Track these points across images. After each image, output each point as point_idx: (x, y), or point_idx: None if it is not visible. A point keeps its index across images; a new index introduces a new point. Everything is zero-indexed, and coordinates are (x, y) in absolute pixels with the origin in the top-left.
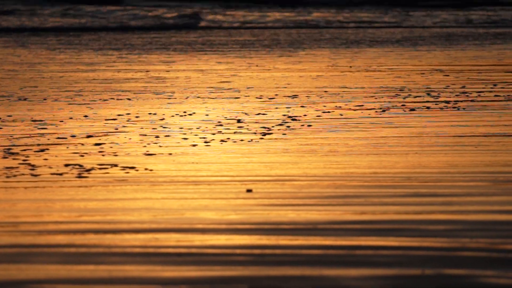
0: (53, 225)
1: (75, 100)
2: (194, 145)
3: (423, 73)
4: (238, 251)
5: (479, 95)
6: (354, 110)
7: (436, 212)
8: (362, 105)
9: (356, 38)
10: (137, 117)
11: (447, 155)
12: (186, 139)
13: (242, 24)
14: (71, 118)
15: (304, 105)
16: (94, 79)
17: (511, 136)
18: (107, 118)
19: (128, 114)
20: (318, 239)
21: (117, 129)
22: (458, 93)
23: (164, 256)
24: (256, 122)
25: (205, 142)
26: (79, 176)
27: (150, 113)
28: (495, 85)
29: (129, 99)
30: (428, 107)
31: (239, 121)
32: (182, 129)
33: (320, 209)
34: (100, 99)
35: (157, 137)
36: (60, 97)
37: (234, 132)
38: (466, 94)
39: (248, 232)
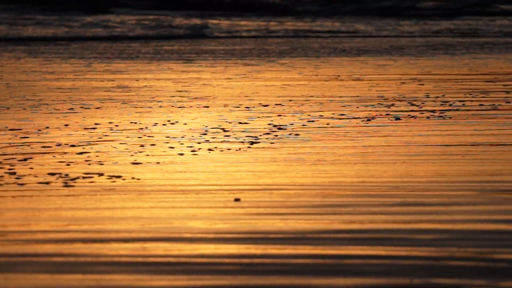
0: (41, 234)
1: (49, 110)
2: (181, 154)
3: (403, 82)
4: (226, 260)
5: (463, 104)
6: (340, 119)
7: (424, 221)
8: (344, 114)
9: (333, 47)
10: (116, 125)
11: (435, 164)
12: (173, 148)
13: (219, 34)
14: (47, 127)
15: (288, 114)
16: (68, 88)
17: (498, 145)
18: (88, 127)
19: (110, 123)
20: (306, 248)
21: (101, 138)
22: (441, 102)
23: (153, 265)
24: (242, 131)
25: (192, 151)
26: (66, 185)
27: (131, 122)
28: (476, 94)
29: (98, 108)
30: (413, 116)
31: (224, 130)
32: (167, 138)
33: (308, 218)
34: (81, 107)
35: (142, 146)
36: (36, 105)
37: (221, 141)
38: (450, 104)
39: (237, 241)
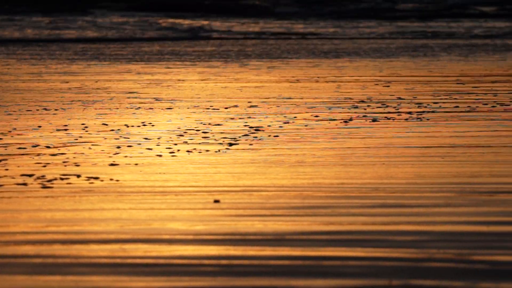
0: (20, 235)
1: (21, 111)
2: (159, 156)
3: (376, 84)
4: (205, 261)
5: (439, 106)
6: (317, 121)
7: (403, 223)
8: (319, 116)
9: (310, 49)
10: (87, 127)
11: (414, 166)
12: (150, 149)
13: (194, 34)
14: (14, 129)
15: (264, 115)
16: (39, 89)
17: (477, 147)
18: (60, 129)
19: (83, 124)
20: (285, 250)
21: (76, 139)
22: (416, 104)
23: (132, 266)
24: (221, 133)
25: (171, 152)
26: (45, 187)
27: (103, 124)
28: (448, 96)
29: (68, 109)
30: (391, 118)
31: (201, 131)
32: (144, 140)
33: (287, 220)
34: (52, 108)
35: (119, 147)
36: (3, 105)
37: (200, 143)
38: (425, 105)
39: (216, 243)
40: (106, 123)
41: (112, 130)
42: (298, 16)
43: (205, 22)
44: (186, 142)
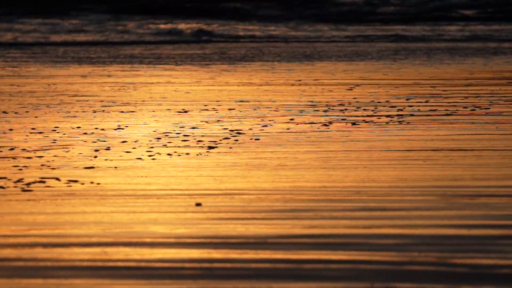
0: (1, 238)
1: None
2: (140, 159)
3: (351, 87)
4: (187, 264)
5: (418, 109)
6: (297, 124)
7: (385, 226)
8: (298, 119)
9: (291, 52)
10: (60, 130)
11: (396, 169)
12: (130, 152)
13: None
14: None
15: (244, 118)
16: (19, 92)
17: (459, 150)
18: (34, 132)
19: (56, 127)
20: (267, 253)
21: (54, 142)
22: (393, 107)
23: (113, 269)
24: (202, 136)
25: (151, 155)
26: (26, 190)
27: (77, 127)
28: (427, 99)
29: (44, 113)
30: (371, 122)
31: (182, 134)
32: (123, 143)
33: (269, 223)
34: (22, 112)
35: (97, 150)
36: None
37: (180, 146)
38: (402, 108)
39: (197, 246)
40: (81, 126)
41: (85, 133)
42: (280, 19)
43: (187, 25)
44: (166, 145)
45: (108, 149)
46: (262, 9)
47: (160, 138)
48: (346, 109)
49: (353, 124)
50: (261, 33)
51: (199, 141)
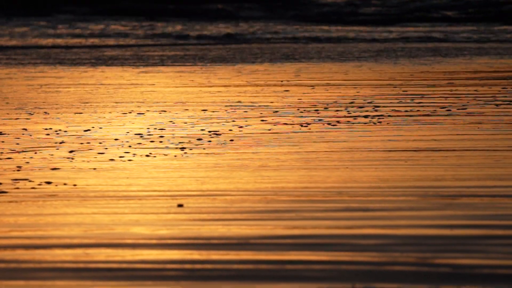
0: None
1: None
2: (122, 160)
3: (338, 87)
4: (169, 266)
5: (399, 110)
6: (276, 124)
7: (367, 226)
8: (279, 120)
9: (268, 53)
10: (31, 132)
11: (378, 170)
12: (111, 153)
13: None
14: None
15: (222, 119)
16: None
17: (440, 150)
18: (5, 133)
19: (24, 129)
20: (249, 254)
21: (35, 143)
22: (373, 107)
23: (95, 271)
24: (182, 137)
25: (132, 156)
26: (7, 192)
27: (46, 128)
28: (408, 100)
29: (30, 113)
30: (350, 122)
31: (160, 135)
32: (102, 144)
33: (251, 224)
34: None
35: (76, 151)
36: None
37: (160, 147)
38: (381, 108)
39: (179, 247)
40: (58, 127)
41: (62, 134)
42: (262, 19)
43: (171, 28)
44: (145, 146)
45: (90, 149)
46: (245, 10)
47: (141, 139)
48: (327, 109)
49: (334, 124)
50: (244, 33)
51: (179, 142)
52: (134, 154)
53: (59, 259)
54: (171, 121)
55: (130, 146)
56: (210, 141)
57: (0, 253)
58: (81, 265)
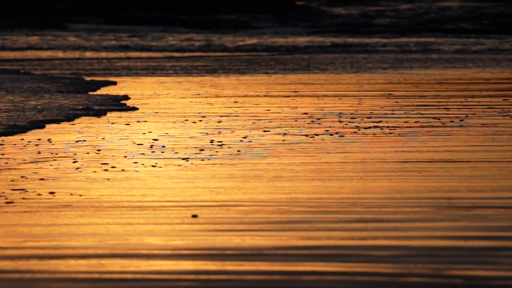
0: None
1: None
2: (136, 170)
3: (350, 98)
4: (183, 276)
5: (413, 120)
6: (293, 135)
7: (381, 237)
8: (294, 130)
9: (285, 63)
10: (52, 141)
11: (392, 181)
12: (126, 164)
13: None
14: None
15: (240, 129)
16: None
17: (454, 162)
18: (26, 144)
19: (49, 139)
20: (263, 265)
21: (49, 153)
22: (382, 119)
23: (109, 281)
24: (195, 147)
25: (146, 166)
26: (22, 202)
27: (67, 139)
28: (425, 110)
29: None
30: (367, 133)
31: (172, 146)
32: (116, 154)
33: (265, 235)
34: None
35: (91, 161)
36: None
37: (174, 157)
38: (392, 119)
39: (194, 258)
40: (72, 137)
41: (78, 145)
42: (274, 30)
43: (184, 36)
44: (159, 156)
45: (102, 160)
46: (258, 21)
47: (153, 150)
48: (340, 120)
49: (348, 135)
50: (257, 44)
51: (193, 152)
52: (148, 164)
53: (73, 270)
54: (188, 132)
55: (144, 156)
56: (217, 151)
57: (15, 263)
58: (96, 276)
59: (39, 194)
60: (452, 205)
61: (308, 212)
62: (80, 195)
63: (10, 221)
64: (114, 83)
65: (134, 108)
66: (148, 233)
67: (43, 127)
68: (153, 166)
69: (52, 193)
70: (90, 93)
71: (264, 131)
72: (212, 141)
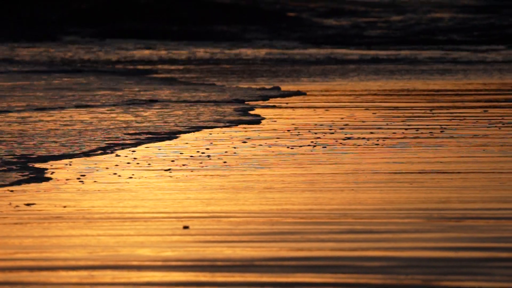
0: None
1: None
2: (127, 182)
3: (341, 109)
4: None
5: (409, 131)
6: (282, 146)
7: (371, 248)
8: (284, 142)
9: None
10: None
11: (383, 192)
12: (116, 175)
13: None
14: None
15: (230, 140)
16: None
17: (445, 173)
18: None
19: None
20: (254, 276)
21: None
22: (381, 128)
23: None
24: (186, 159)
25: (137, 178)
26: (13, 213)
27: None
28: (416, 121)
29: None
30: (358, 144)
31: (167, 157)
32: (107, 166)
33: (256, 246)
34: None
35: (82, 174)
36: None
37: (165, 169)
38: (381, 130)
39: (184, 269)
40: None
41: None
42: (266, 41)
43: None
44: (152, 168)
45: (96, 171)
46: (250, 32)
47: (147, 161)
48: (331, 131)
49: (338, 146)
50: (251, 54)
51: (183, 164)
52: (142, 176)
53: (64, 281)
54: (177, 143)
55: (135, 168)
56: (215, 162)
57: (5, 275)
58: (87, 287)
59: (28, 206)
60: (442, 216)
61: (299, 223)
62: (71, 207)
63: (0, 233)
64: None
65: None
66: (139, 244)
67: None
68: (145, 177)
69: (43, 204)
70: None
71: (254, 141)
72: (202, 153)
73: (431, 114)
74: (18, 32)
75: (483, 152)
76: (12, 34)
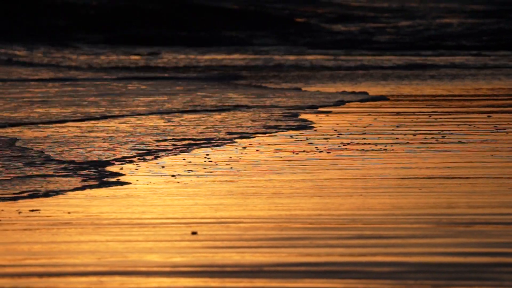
0: None
1: None
2: (135, 187)
3: (349, 114)
4: None
5: (418, 137)
6: (291, 152)
7: (380, 254)
8: (292, 147)
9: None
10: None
11: (391, 197)
12: (125, 181)
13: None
14: None
15: (236, 146)
16: None
17: (454, 178)
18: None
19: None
20: (263, 282)
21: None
22: (389, 134)
23: None
24: (195, 165)
25: (146, 184)
26: (22, 220)
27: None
28: (425, 126)
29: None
30: (366, 149)
31: (176, 162)
32: (114, 171)
33: (265, 251)
34: None
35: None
36: None
37: (174, 174)
38: (403, 136)
39: (193, 275)
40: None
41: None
42: (274, 47)
43: (182, 56)
44: (160, 173)
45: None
46: (258, 38)
47: (154, 167)
48: (339, 137)
49: (347, 151)
50: (258, 60)
51: (189, 170)
52: (150, 182)
53: (73, 287)
54: (184, 147)
55: (144, 173)
56: (224, 168)
57: (15, 281)
58: None
59: (38, 212)
60: (451, 221)
61: (307, 229)
62: (79, 213)
63: (9, 239)
64: None
65: None
66: (148, 250)
67: None
68: (153, 183)
69: (52, 209)
70: None
71: (263, 147)
72: (211, 158)
73: (439, 119)
74: (33, 37)
75: (492, 157)
76: (27, 38)
